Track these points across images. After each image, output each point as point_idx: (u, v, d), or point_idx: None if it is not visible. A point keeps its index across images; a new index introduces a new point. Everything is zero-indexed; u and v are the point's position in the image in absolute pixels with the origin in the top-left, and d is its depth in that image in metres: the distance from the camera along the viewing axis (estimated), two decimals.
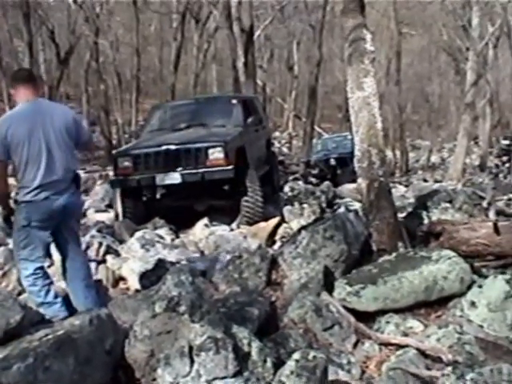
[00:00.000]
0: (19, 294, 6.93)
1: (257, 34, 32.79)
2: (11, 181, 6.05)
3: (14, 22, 34.22)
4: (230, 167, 10.31)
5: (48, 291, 5.64)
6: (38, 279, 5.62)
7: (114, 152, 12.97)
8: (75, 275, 5.87)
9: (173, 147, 10.59)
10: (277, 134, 50.89)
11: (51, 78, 42.05)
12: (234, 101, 13.03)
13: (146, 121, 13.52)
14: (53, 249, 7.98)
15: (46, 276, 5.76)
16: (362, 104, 7.72)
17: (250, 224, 10.41)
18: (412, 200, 12.29)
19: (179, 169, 10.46)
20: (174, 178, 10.45)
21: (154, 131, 12.43)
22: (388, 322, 5.86)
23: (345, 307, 5.96)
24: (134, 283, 7.37)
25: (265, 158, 13.69)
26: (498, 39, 37.78)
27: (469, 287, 6.16)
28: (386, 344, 5.52)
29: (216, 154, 10.34)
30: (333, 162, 23.10)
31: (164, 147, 10.65)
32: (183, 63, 44.75)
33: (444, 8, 36.73)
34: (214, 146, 10.44)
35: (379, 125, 7.72)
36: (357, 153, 7.80)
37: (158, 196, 11.81)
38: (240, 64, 21.75)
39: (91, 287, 6.05)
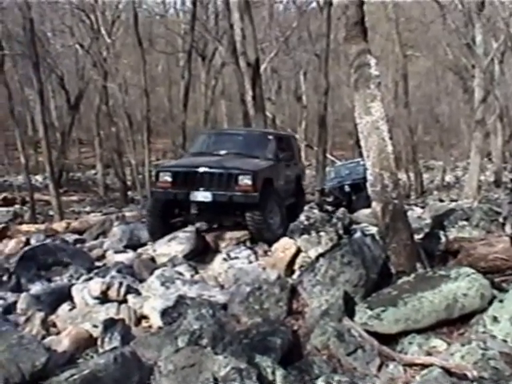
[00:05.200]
0: (43, 337, 6.99)
1: (263, 66, 32.90)
2: None
3: (24, 71, 34.64)
4: (255, 194, 11.22)
5: None
6: None
7: (158, 166, 15.29)
8: None
9: (208, 169, 11.54)
10: None
11: (63, 124, 42.48)
12: (271, 137, 14.14)
13: (191, 142, 15.02)
14: (74, 292, 8.11)
15: None
16: (370, 128, 7.79)
17: (257, 238, 11.40)
18: (429, 221, 12.24)
19: (211, 189, 11.38)
20: (206, 196, 11.41)
21: (195, 153, 13.47)
22: (411, 343, 5.86)
23: (367, 331, 5.97)
24: (156, 321, 7.40)
25: (292, 191, 14.57)
26: (503, 54, 37.79)
27: (490, 303, 6.16)
28: (411, 365, 5.51)
29: (245, 181, 11.27)
30: (347, 188, 22.97)
31: (201, 169, 11.58)
32: (192, 101, 44.99)
33: (447, 27, 36.82)
34: (244, 174, 11.36)
35: (390, 148, 7.77)
36: (369, 177, 7.86)
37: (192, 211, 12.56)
38: (248, 98, 21.79)
39: None
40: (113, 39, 36.23)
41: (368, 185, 7.89)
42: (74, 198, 36.39)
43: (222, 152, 12.99)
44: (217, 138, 14.43)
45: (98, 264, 10.99)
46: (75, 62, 42.87)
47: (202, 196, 11.43)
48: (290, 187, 14.27)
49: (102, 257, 11.80)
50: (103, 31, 34.86)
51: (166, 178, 11.66)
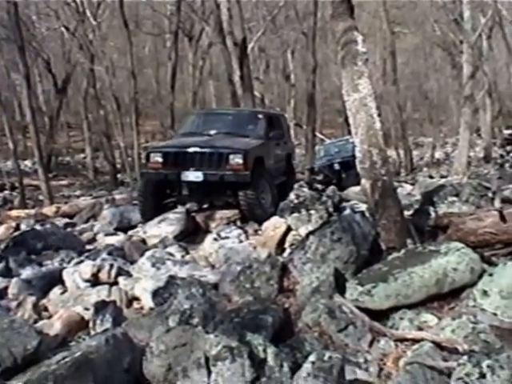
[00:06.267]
0: (35, 321, 6.99)
1: (250, 46, 32.73)
2: None
3: (10, 56, 34.43)
4: (246, 172, 11.38)
5: None
6: None
7: (148, 147, 15.73)
8: None
9: (199, 149, 11.75)
10: None
11: (51, 108, 42.25)
12: (261, 116, 14.26)
13: (181, 123, 15.24)
14: (65, 275, 8.10)
15: None
16: (358, 106, 7.76)
17: (249, 217, 11.58)
18: (418, 197, 12.27)
19: (202, 169, 11.54)
20: (197, 176, 11.57)
21: (185, 134, 13.61)
22: (402, 318, 5.88)
23: (358, 307, 5.98)
24: (147, 302, 7.40)
25: (283, 170, 14.74)
26: (491, 30, 37.80)
27: (480, 277, 6.18)
28: (402, 340, 5.53)
29: (236, 160, 11.42)
30: (337, 166, 23.03)
31: (191, 149, 11.79)
32: (180, 82, 44.80)
33: (434, 4, 36.79)
34: (234, 153, 11.51)
35: (378, 125, 7.75)
36: (358, 154, 7.84)
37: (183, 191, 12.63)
38: (236, 78, 21.74)
39: None
40: (98, 21, 35.94)
41: (357, 162, 7.88)
42: (64, 182, 36.27)
43: (212, 132, 13.06)
44: (206, 117, 14.48)
45: (88, 247, 10.99)
46: (61, 46, 42.57)
47: (193, 176, 11.57)
48: (280, 166, 14.38)
49: (93, 240, 11.81)
50: (89, 14, 34.54)
51: (157, 158, 11.77)
